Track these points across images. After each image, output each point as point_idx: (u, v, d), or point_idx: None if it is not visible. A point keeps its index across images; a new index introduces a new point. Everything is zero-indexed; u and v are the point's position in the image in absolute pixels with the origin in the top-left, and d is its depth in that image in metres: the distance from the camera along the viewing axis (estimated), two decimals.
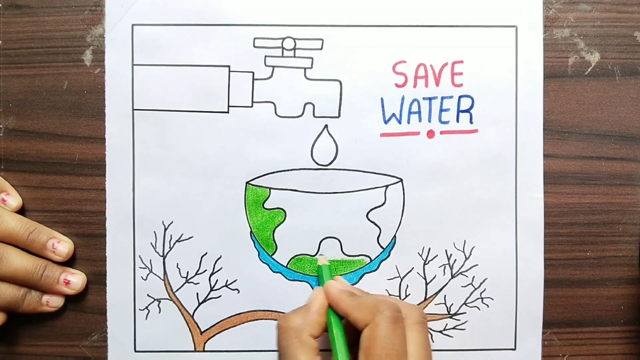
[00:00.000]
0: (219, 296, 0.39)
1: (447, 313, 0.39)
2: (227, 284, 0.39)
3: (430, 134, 0.39)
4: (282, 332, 0.34)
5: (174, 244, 0.39)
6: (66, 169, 0.39)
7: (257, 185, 0.39)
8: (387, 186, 0.39)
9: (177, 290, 0.39)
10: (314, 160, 0.39)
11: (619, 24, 0.39)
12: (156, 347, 0.39)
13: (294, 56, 0.38)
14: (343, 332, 0.34)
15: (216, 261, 0.39)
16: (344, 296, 0.34)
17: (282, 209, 0.39)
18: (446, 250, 0.39)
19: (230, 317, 0.39)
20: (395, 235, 0.39)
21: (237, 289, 0.39)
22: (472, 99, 0.39)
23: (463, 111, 0.39)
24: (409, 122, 0.39)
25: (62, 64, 0.39)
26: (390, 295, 0.39)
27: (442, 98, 0.39)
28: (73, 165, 0.39)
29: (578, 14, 0.39)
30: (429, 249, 0.39)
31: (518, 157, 0.39)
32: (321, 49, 0.38)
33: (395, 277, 0.39)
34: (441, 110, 0.39)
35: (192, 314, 0.39)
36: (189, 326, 0.39)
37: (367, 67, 0.38)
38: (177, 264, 0.39)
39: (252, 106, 0.39)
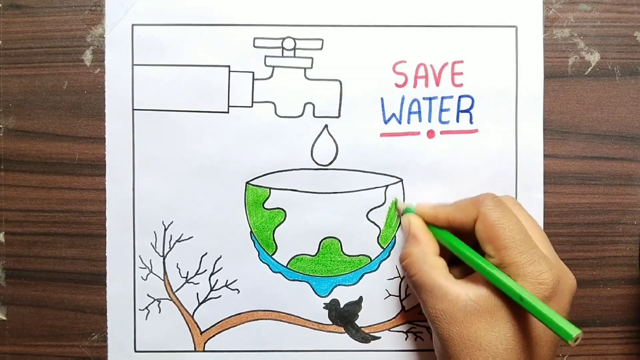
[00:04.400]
0: (219, 296, 0.39)
1: None
2: (227, 284, 0.39)
3: (430, 134, 0.39)
4: (409, 267, 0.34)
5: (174, 244, 0.39)
6: (66, 169, 0.39)
7: (257, 185, 0.39)
8: (387, 186, 0.39)
9: (177, 290, 0.39)
10: (314, 160, 0.39)
11: (619, 24, 0.39)
12: (156, 347, 0.39)
13: (294, 56, 0.38)
14: (455, 236, 0.35)
15: (216, 261, 0.39)
16: (439, 207, 0.35)
17: (282, 209, 0.39)
18: None
19: (230, 317, 0.39)
20: (395, 235, 0.39)
21: (237, 289, 0.39)
22: (472, 99, 0.39)
23: (463, 111, 0.39)
24: (409, 122, 0.39)
25: (62, 64, 0.39)
26: (390, 295, 0.39)
27: (442, 98, 0.39)
28: (73, 165, 0.39)
29: (578, 14, 0.39)
30: None
31: (518, 157, 0.39)
32: (321, 49, 0.38)
33: (395, 277, 0.39)
34: (441, 110, 0.39)
35: (192, 314, 0.39)
36: (189, 326, 0.39)
37: (367, 67, 0.38)
38: (177, 264, 0.39)
39: (252, 106, 0.39)
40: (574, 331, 0.27)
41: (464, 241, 0.34)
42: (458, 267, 0.35)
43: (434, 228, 0.36)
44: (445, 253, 0.35)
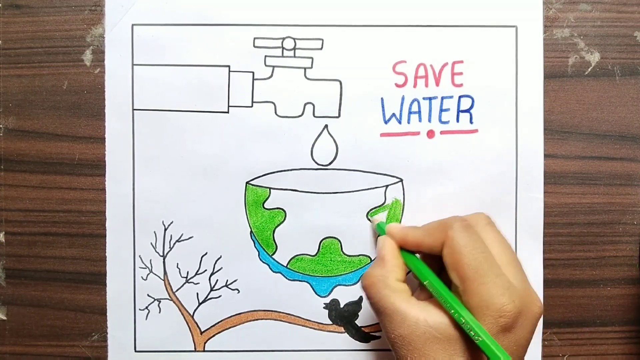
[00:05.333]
0: (219, 296, 0.39)
1: None
2: (227, 284, 0.39)
3: (430, 134, 0.39)
4: (369, 289, 0.33)
5: (174, 244, 0.39)
6: (66, 169, 0.39)
7: (257, 185, 0.39)
8: (387, 186, 0.39)
9: (177, 290, 0.39)
10: (314, 160, 0.39)
11: (619, 24, 0.39)
12: (156, 347, 0.39)
13: (294, 56, 0.38)
14: (423, 262, 0.34)
15: (216, 261, 0.39)
16: (409, 230, 0.34)
17: (282, 209, 0.39)
18: None
19: (230, 317, 0.39)
20: None
21: (237, 289, 0.39)
22: (472, 99, 0.39)
23: (463, 111, 0.39)
24: (409, 122, 0.39)
25: (62, 64, 0.39)
26: None
27: (442, 98, 0.39)
28: (73, 165, 0.39)
29: (578, 14, 0.39)
30: None
31: (518, 157, 0.39)
32: (321, 49, 0.38)
33: None
34: (441, 110, 0.39)
35: (192, 314, 0.39)
36: (189, 326, 0.39)
37: (367, 67, 0.38)
38: (177, 264, 0.39)
39: (252, 106, 0.39)
40: (503, 356, 0.28)
41: (437, 263, 0.34)
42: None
43: (403, 252, 0.35)
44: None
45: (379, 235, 0.37)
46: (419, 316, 0.31)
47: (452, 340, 0.30)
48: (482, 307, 0.30)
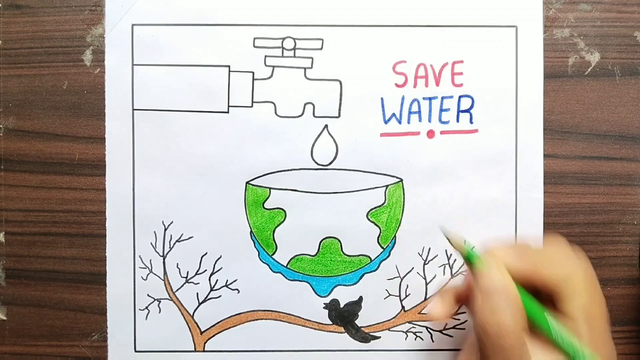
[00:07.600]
0: (219, 296, 0.39)
1: None
2: (227, 284, 0.39)
3: (430, 134, 0.39)
4: (505, 338, 0.27)
5: (174, 244, 0.39)
6: (66, 169, 0.39)
7: (257, 185, 0.39)
8: (387, 186, 0.39)
9: (177, 290, 0.39)
10: (314, 160, 0.39)
11: (619, 24, 0.39)
12: (156, 347, 0.39)
13: (294, 56, 0.38)
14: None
15: (216, 261, 0.39)
16: (521, 253, 0.30)
17: (282, 209, 0.39)
18: (446, 250, 0.39)
19: (230, 317, 0.39)
20: (395, 235, 0.39)
21: (237, 289, 0.39)
22: (472, 99, 0.39)
23: (463, 111, 0.39)
24: (409, 122, 0.39)
25: (62, 64, 0.39)
26: (390, 295, 0.39)
27: (442, 98, 0.39)
28: (73, 165, 0.39)
29: (578, 14, 0.39)
30: (429, 249, 0.39)
31: (518, 157, 0.39)
32: (321, 49, 0.38)
33: (395, 277, 0.39)
34: (441, 110, 0.39)
35: (192, 314, 0.39)
36: (189, 326, 0.39)
37: (367, 67, 0.38)
38: (177, 264, 0.39)
39: (252, 106, 0.39)
40: None
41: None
42: None
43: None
44: None
45: (468, 257, 0.30)
46: None
47: None
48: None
